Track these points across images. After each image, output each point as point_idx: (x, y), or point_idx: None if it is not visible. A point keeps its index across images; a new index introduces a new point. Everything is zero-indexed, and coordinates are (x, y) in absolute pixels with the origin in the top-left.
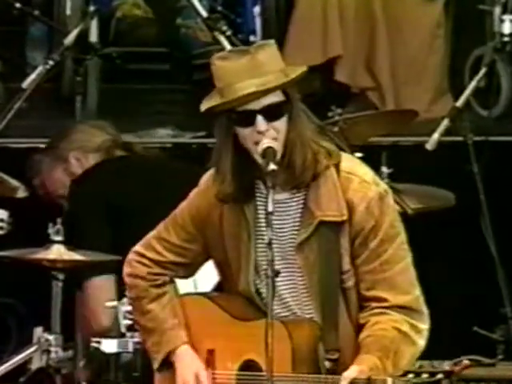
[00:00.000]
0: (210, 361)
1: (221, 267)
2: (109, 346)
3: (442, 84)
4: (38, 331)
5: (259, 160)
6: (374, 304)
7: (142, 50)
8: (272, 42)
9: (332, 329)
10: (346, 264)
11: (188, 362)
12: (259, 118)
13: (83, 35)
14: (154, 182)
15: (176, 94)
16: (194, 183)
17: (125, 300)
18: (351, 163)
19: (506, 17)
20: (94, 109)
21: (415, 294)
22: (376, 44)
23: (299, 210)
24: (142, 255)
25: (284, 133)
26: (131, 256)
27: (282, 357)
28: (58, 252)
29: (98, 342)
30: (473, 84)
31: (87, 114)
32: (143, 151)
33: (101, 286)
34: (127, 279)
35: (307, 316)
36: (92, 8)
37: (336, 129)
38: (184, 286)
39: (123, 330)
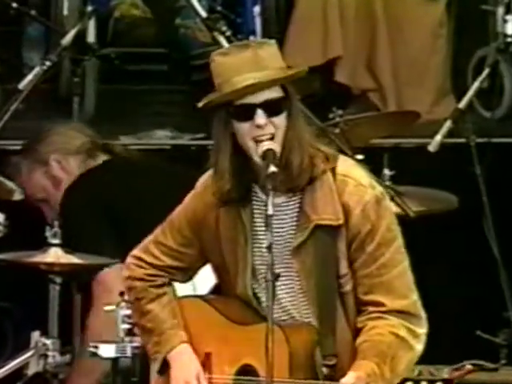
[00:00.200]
0: (206, 364)
1: (218, 270)
2: (107, 350)
3: (445, 85)
4: (35, 335)
5: (259, 162)
6: (371, 308)
7: (140, 51)
8: (273, 41)
9: (329, 334)
10: (344, 268)
11: (186, 362)
12: (259, 112)
13: (81, 35)
14: (144, 185)
15: (174, 95)
16: (183, 185)
17: (123, 304)
18: (347, 166)
19: (510, 17)
20: (92, 110)
21: (413, 299)
22: (377, 44)
23: (295, 214)
24: (140, 259)
25: (282, 130)
26: (129, 260)
27: (278, 361)
28: (55, 255)
29: (96, 347)
30: (475, 85)
31: (85, 116)
32: (124, 152)
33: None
34: (126, 282)
35: (306, 320)
36: (90, 8)
37: (337, 130)
38: (183, 288)
39: (121, 334)
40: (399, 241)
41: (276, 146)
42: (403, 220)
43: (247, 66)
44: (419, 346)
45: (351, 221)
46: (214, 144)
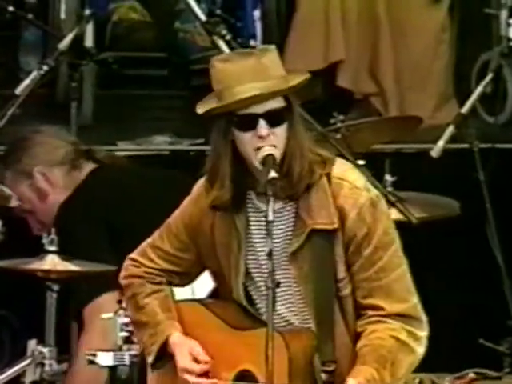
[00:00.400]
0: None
1: (215, 275)
2: (105, 359)
3: (447, 90)
4: (32, 344)
5: (259, 167)
6: (370, 312)
7: (138, 55)
8: (273, 47)
9: (328, 339)
10: (341, 272)
11: (185, 347)
12: (261, 123)
13: (78, 40)
14: (137, 193)
15: (173, 100)
16: (176, 189)
17: (121, 312)
18: (342, 169)
19: None
20: (90, 115)
21: (413, 302)
22: (379, 48)
23: (291, 220)
24: (137, 261)
25: (284, 140)
26: (127, 262)
27: (278, 367)
28: (52, 262)
29: (94, 355)
30: (479, 90)
31: (83, 121)
32: (108, 158)
33: (105, 305)
34: (123, 281)
35: (304, 325)
36: (87, 12)
37: (338, 136)
38: (181, 292)
39: (120, 342)
40: (397, 244)
41: (276, 152)
42: (405, 226)
43: (249, 74)
44: (420, 349)
45: (347, 224)
46: (212, 151)
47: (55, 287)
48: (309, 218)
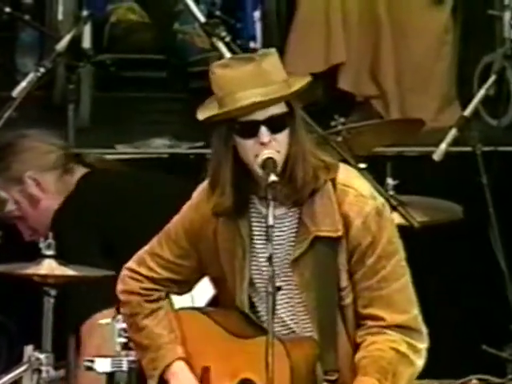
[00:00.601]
0: (205, 379)
1: (216, 282)
2: (102, 365)
3: (450, 92)
4: (29, 350)
5: (259, 172)
6: (370, 323)
7: (137, 57)
8: (273, 50)
9: (331, 348)
10: (344, 281)
11: (183, 381)
12: (263, 129)
13: (76, 41)
14: (132, 198)
15: (172, 103)
16: (171, 193)
17: (119, 317)
18: (348, 176)
19: None
20: (87, 118)
21: (413, 313)
22: (380, 49)
23: (295, 226)
24: (135, 271)
25: (286, 146)
26: (124, 272)
27: (279, 376)
28: (49, 267)
29: (91, 361)
30: (482, 92)
31: (80, 124)
32: (98, 163)
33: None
34: (121, 296)
35: (306, 334)
36: (85, 13)
37: (339, 139)
38: (181, 300)
39: (118, 348)
40: (400, 254)
41: (278, 156)
42: (407, 231)
43: (251, 80)
44: (420, 362)
45: (351, 232)
46: (213, 157)
47: (52, 292)
48: (312, 225)
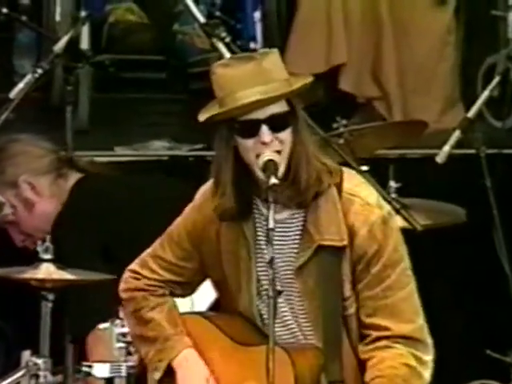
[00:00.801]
0: None
1: (218, 286)
2: (101, 370)
3: (453, 93)
4: (26, 355)
5: (260, 174)
6: (374, 333)
7: (135, 58)
8: (275, 50)
9: (336, 358)
10: (347, 290)
11: (193, 367)
12: (264, 128)
13: (74, 42)
14: (128, 203)
15: (172, 105)
16: (168, 196)
17: (118, 322)
18: (354, 183)
19: None
20: (86, 119)
21: (419, 323)
22: (382, 50)
23: (298, 232)
24: (138, 273)
25: (288, 145)
26: (126, 274)
27: None
28: (47, 271)
29: (90, 366)
30: (485, 93)
31: (78, 125)
32: (91, 166)
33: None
34: (124, 294)
35: (310, 342)
36: (83, 13)
37: (341, 141)
38: (181, 304)
39: (116, 353)
40: (406, 262)
41: (281, 159)
42: (410, 234)
43: (251, 79)
44: (427, 374)
45: (356, 241)
46: (215, 158)
47: (50, 297)
48: (316, 233)
